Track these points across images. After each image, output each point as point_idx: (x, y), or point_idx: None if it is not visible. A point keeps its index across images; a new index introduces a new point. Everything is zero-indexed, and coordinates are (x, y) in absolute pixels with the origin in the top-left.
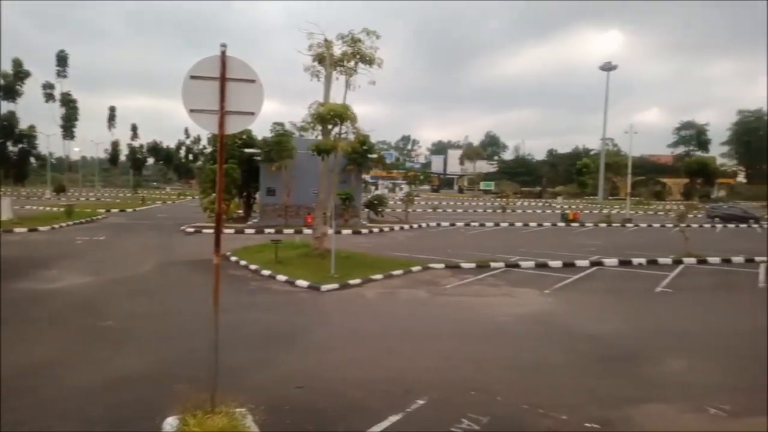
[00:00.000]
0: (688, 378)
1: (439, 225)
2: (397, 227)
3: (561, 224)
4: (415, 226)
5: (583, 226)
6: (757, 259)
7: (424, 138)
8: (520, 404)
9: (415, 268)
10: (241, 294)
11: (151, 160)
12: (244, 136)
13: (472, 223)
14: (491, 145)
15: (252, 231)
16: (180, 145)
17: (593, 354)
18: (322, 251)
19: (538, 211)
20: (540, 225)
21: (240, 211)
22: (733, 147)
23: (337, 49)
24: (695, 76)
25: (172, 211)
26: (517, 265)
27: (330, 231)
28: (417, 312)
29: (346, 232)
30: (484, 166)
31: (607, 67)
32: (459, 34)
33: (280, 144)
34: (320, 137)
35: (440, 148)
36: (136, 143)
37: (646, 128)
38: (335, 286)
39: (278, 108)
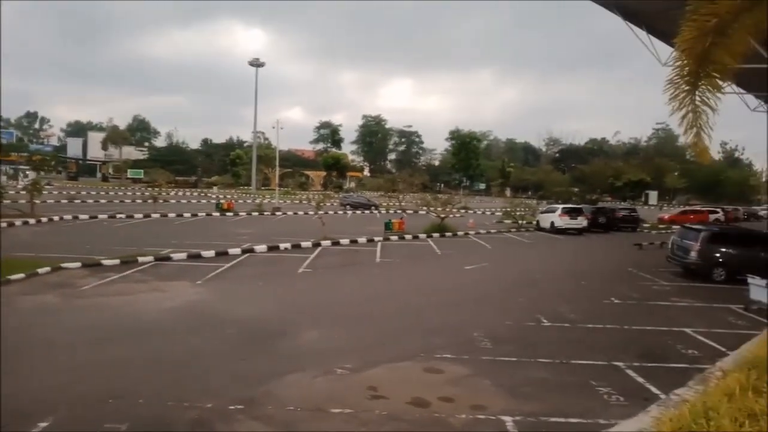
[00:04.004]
0: (320, 346)
1: (76, 218)
2: (18, 222)
3: (216, 214)
4: (45, 219)
5: (237, 216)
6: (376, 239)
7: (57, 117)
8: (165, 402)
9: (42, 270)
10: None
11: None
12: None
13: (119, 215)
14: (140, 130)
15: None
16: None
17: (240, 337)
18: None
19: (193, 201)
20: (195, 215)
21: None
22: (359, 146)
23: None
24: (330, 81)
25: None
26: (168, 258)
27: None
28: (43, 322)
29: None
30: (132, 153)
31: (255, 63)
32: (91, 4)
33: None
34: None
35: (78, 130)
36: None
37: (292, 125)
38: None
39: None
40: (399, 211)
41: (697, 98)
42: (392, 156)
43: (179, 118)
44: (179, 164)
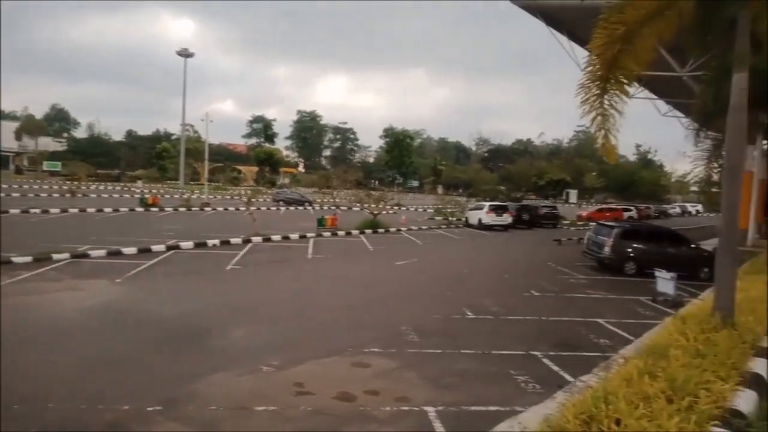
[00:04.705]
0: (246, 344)
1: None
2: None
3: (140, 209)
4: None
5: (162, 211)
6: (308, 235)
7: None
8: (79, 406)
9: None
10: None
11: None
12: None
13: (33, 210)
14: (59, 119)
15: None
16: None
17: (162, 337)
18: None
19: (116, 195)
20: (117, 210)
21: None
22: (294, 141)
23: None
24: (263, 75)
25: None
26: (86, 255)
27: None
28: None
29: None
30: (49, 144)
31: (184, 54)
32: None
33: None
34: None
35: None
36: None
37: (223, 118)
38: None
39: None
40: (333, 208)
41: (606, 102)
42: (327, 152)
43: (102, 108)
44: (101, 156)
